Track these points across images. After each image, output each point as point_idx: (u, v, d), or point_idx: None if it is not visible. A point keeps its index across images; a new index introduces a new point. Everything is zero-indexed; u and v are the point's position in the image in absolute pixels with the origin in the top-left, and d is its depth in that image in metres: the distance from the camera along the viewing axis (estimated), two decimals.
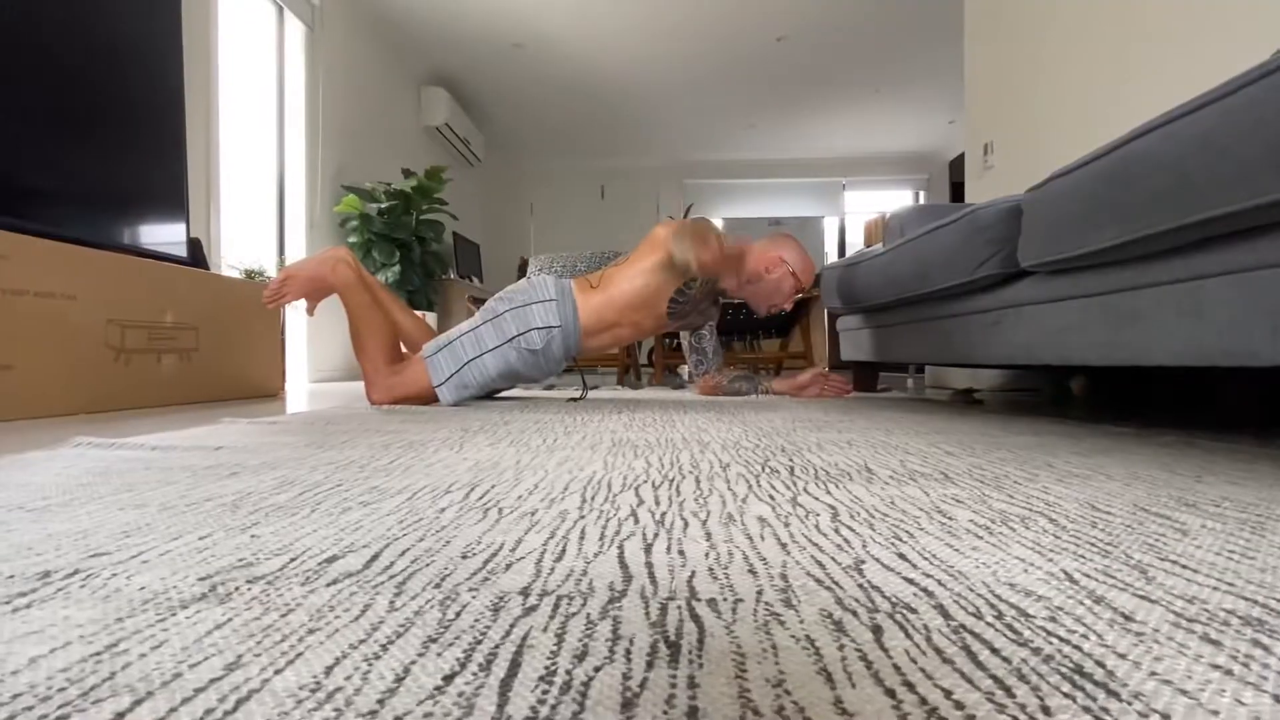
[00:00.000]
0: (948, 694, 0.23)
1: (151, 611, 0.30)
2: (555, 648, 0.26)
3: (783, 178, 7.04)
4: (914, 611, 0.30)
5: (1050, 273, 1.02)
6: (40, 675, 0.24)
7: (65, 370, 1.41)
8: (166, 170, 1.90)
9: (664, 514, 0.49)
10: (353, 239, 3.61)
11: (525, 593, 0.33)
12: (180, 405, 1.72)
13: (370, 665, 0.25)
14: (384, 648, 0.26)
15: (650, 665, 0.25)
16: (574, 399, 1.84)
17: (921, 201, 7.08)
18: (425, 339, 1.77)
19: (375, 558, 0.38)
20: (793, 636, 0.27)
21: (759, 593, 0.32)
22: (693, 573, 0.35)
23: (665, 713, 0.22)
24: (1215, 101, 0.65)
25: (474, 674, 0.24)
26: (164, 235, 1.89)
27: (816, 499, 0.54)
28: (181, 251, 1.95)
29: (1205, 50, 1.86)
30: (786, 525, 0.45)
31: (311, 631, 0.28)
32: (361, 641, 0.27)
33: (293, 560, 0.38)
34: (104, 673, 0.24)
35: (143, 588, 0.33)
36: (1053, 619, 0.29)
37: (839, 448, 0.84)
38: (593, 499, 0.54)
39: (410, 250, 3.82)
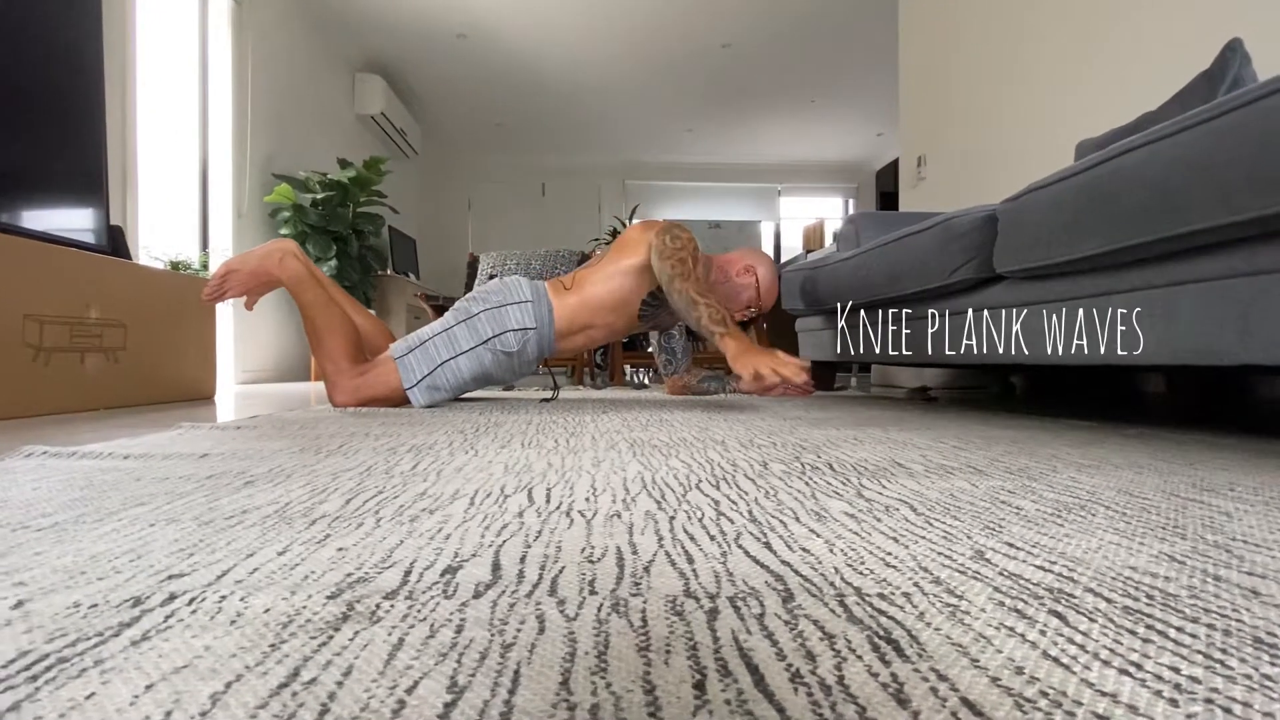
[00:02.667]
0: (1174, 669, 0.24)
1: (303, 635, 0.27)
2: (775, 649, 0.26)
3: (722, 182, 7.19)
4: (1073, 596, 0.32)
5: (1025, 278, 1.10)
6: (239, 714, 0.21)
7: None
8: (83, 151, 1.72)
9: (750, 512, 0.49)
10: (285, 230, 3.38)
11: (691, 595, 0.32)
12: (108, 409, 1.56)
13: (605, 678, 0.23)
14: (601, 658, 0.25)
15: (886, 661, 0.25)
16: (546, 399, 1.80)
17: (851, 208, 7.41)
18: (382, 338, 1.68)
19: (498, 566, 0.36)
20: (989, 625, 0.28)
21: (917, 585, 0.33)
22: (836, 569, 0.36)
23: (944, 704, 0.22)
24: (1198, 125, 0.72)
25: (722, 680, 0.23)
26: (81, 222, 1.70)
27: (880, 494, 0.56)
28: (101, 240, 1.76)
29: (1131, 76, 2.05)
30: (879, 520, 0.46)
31: (508, 646, 0.26)
32: (571, 654, 0.25)
33: (409, 573, 0.35)
34: (314, 706, 0.22)
35: (268, 609, 0.30)
36: (1195, 597, 0.32)
37: (853, 444, 0.87)
38: (664, 500, 0.53)
39: (348, 244, 3.63)
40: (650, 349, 2.01)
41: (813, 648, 0.26)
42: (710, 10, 4.19)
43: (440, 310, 2.60)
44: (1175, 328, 0.83)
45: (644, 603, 0.31)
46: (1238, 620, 0.29)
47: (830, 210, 7.47)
